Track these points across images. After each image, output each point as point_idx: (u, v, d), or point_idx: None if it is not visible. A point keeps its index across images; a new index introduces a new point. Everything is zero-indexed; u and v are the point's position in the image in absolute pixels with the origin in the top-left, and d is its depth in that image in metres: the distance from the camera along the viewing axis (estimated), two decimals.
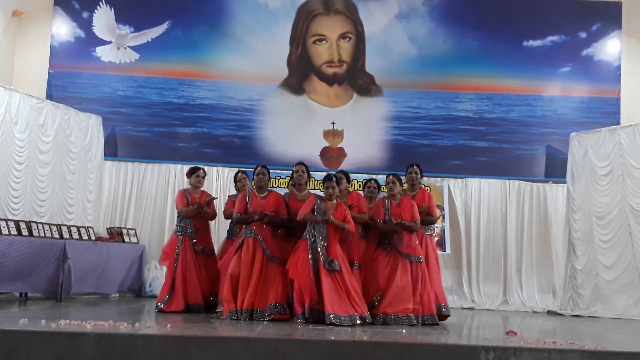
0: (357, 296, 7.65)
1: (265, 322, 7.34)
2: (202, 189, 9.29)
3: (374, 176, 9.98)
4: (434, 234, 9.06)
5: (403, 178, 8.63)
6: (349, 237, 8.03)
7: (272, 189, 8.62)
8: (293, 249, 7.90)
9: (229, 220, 9.10)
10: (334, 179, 8.01)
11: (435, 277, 8.62)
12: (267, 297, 7.73)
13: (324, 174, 8.88)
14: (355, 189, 11.74)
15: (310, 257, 7.62)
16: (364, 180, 8.96)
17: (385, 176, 10.03)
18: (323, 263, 7.56)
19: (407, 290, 7.93)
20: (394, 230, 8.10)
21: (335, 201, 7.93)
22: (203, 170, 9.30)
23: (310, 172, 8.55)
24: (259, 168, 8.31)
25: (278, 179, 11.99)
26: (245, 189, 8.74)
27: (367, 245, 8.30)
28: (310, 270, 7.56)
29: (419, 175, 8.80)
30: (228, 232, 9.18)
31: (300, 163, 8.42)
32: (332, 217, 7.69)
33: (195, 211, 8.88)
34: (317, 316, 7.43)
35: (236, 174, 9.38)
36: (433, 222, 8.78)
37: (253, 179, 8.40)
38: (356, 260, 8.13)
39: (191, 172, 9.21)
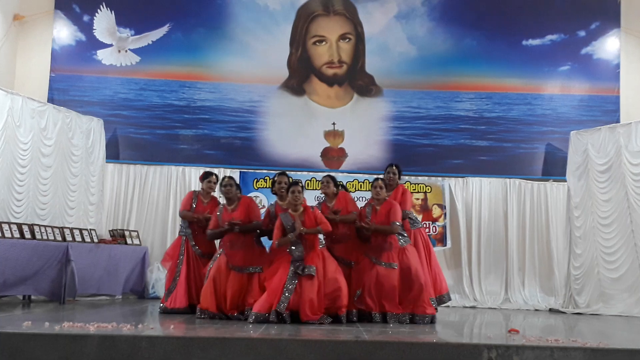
0: (344, 295, 7.70)
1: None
2: (212, 194, 9.23)
3: (374, 176, 9.99)
4: (421, 226, 9.06)
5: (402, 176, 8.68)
6: (346, 238, 8.15)
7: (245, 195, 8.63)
8: (272, 260, 7.94)
9: None
10: (300, 184, 8.00)
11: (434, 266, 8.71)
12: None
13: (325, 174, 8.93)
14: (357, 189, 11.81)
15: (290, 268, 7.64)
16: (373, 180, 8.90)
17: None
18: (297, 271, 7.57)
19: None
20: (368, 237, 8.16)
21: (301, 208, 7.90)
22: (216, 175, 9.21)
23: (312, 172, 8.57)
24: (226, 179, 8.35)
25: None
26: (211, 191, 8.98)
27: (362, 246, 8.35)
28: (286, 278, 7.57)
29: (397, 176, 8.82)
30: None
31: (282, 173, 8.47)
32: (302, 228, 7.68)
33: (190, 219, 8.88)
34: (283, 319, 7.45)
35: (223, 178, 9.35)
36: (404, 217, 8.63)
37: (221, 191, 8.40)
38: (353, 260, 8.20)
39: (204, 177, 9.13)
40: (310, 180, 12.21)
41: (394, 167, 8.85)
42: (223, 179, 8.40)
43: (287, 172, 8.76)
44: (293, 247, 7.71)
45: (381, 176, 8.69)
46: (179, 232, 9.10)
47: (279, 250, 7.89)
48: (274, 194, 8.54)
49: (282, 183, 8.31)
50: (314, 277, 7.56)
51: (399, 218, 8.16)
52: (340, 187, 8.70)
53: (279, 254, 7.90)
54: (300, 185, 7.99)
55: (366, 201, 9.44)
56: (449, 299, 8.93)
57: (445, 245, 12.33)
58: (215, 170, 12.13)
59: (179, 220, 9.20)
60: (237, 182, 8.97)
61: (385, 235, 8.12)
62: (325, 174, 8.70)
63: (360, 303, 8.01)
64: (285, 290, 7.47)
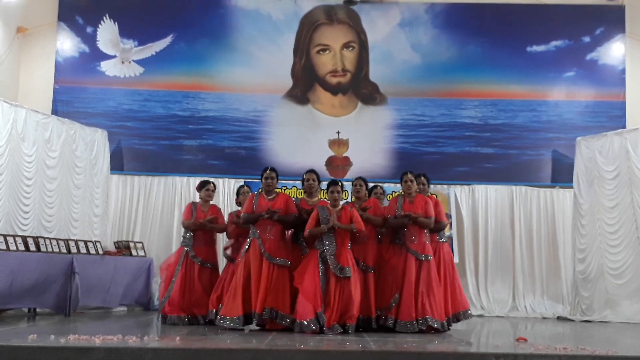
0: (356, 304, 7.62)
1: (271, 332, 7.36)
2: (211, 202, 9.27)
3: (379, 184, 9.95)
4: (444, 240, 9.02)
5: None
6: (364, 239, 8.07)
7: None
8: (303, 258, 7.92)
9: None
10: (340, 184, 8.06)
11: (454, 283, 8.65)
12: (275, 300, 7.73)
13: (357, 176, 8.94)
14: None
15: (320, 267, 7.62)
16: (402, 174, 8.74)
17: (391, 184, 10.07)
18: (333, 271, 7.56)
19: (413, 296, 7.93)
20: (404, 225, 8.09)
21: (339, 206, 7.95)
22: (213, 184, 9.31)
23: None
24: (268, 172, 8.28)
25: (284, 189, 11.97)
26: (209, 199, 9.02)
27: (380, 248, 8.32)
28: (318, 280, 7.56)
29: (426, 186, 8.78)
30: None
31: (311, 170, 8.47)
32: (336, 222, 7.70)
33: (194, 226, 8.87)
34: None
35: (240, 187, 9.38)
36: (442, 229, 8.75)
37: (261, 182, 8.35)
38: (371, 264, 8.16)
39: (201, 186, 9.21)
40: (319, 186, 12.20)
41: (423, 178, 8.77)
42: (265, 170, 8.34)
43: (293, 181, 8.77)
44: (323, 242, 7.71)
45: (380, 184, 8.64)
46: (181, 243, 9.09)
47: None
48: (304, 191, 8.58)
49: (310, 180, 8.35)
50: (350, 278, 7.60)
51: (434, 214, 8.25)
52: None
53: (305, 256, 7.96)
54: (340, 185, 8.07)
55: None
56: (465, 317, 8.71)
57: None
58: (220, 181, 12.18)
59: (183, 231, 9.17)
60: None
61: (421, 229, 8.14)
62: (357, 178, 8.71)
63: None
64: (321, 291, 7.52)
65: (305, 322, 7.37)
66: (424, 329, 7.80)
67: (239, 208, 9.03)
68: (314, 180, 8.34)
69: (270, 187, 8.24)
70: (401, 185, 8.42)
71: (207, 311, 8.56)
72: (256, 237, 7.98)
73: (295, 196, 11.92)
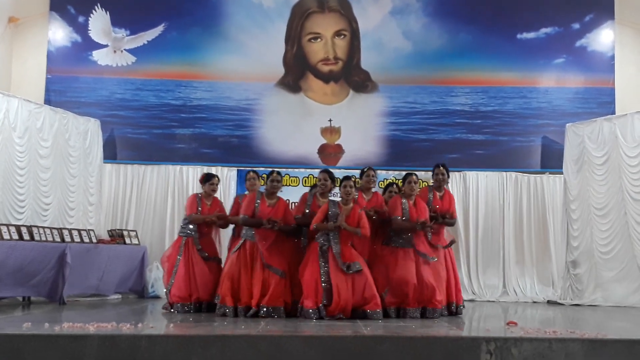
0: (370, 291, 7.74)
1: (264, 320, 7.45)
2: (214, 195, 9.24)
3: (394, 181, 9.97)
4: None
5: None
6: (364, 239, 8.12)
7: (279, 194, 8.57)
8: (306, 252, 8.01)
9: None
10: (353, 178, 8.09)
11: (453, 274, 8.80)
12: (269, 300, 7.84)
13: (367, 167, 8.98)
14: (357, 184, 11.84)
15: (321, 261, 7.71)
16: (360, 170, 8.90)
17: (382, 171, 10.14)
18: (341, 268, 7.64)
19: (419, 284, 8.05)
20: (413, 229, 8.16)
21: (351, 204, 7.98)
22: (217, 177, 9.27)
23: (309, 169, 8.59)
24: (274, 174, 8.32)
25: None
26: (254, 189, 8.82)
27: (376, 242, 8.37)
28: (318, 274, 7.64)
29: (446, 176, 8.86)
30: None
31: (325, 170, 8.47)
32: (344, 223, 7.74)
33: (202, 220, 8.85)
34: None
35: (247, 172, 9.38)
36: (452, 224, 8.91)
37: (266, 183, 8.39)
38: (365, 257, 8.19)
39: (205, 180, 9.13)
40: (308, 177, 12.24)
41: (442, 168, 8.87)
42: (272, 172, 8.39)
43: (285, 169, 8.76)
44: (325, 234, 7.81)
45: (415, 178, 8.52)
46: (179, 232, 9.09)
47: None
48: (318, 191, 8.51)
49: (322, 180, 8.35)
50: (362, 270, 7.72)
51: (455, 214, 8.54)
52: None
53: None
54: (353, 179, 8.09)
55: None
56: (458, 312, 8.81)
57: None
58: (213, 169, 12.20)
59: (177, 220, 9.20)
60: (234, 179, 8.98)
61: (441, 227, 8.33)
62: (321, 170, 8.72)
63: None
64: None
65: (310, 311, 7.52)
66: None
67: (247, 192, 9.07)
68: (326, 180, 8.30)
69: (275, 189, 8.29)
70: (404, 185, 8.45)
71: (212, 296, 8.57)
72: (250, 238, 8.06)
73: (288, 184, 12.00)
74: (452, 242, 8.87)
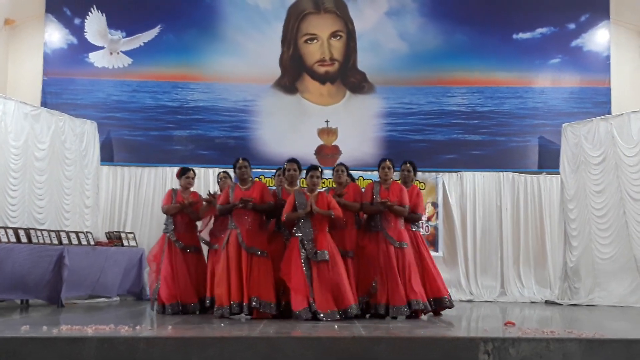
0: (344, 287, 7.64)
1: (247, 318, 7.48)
2: (192, 189, 9.27)
3: (368, 172, 9.99)
4: (421, 229, 9.10)
5: (397, 174, 8.71)
6: (342, 225, 8.10)
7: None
8: (286, 247, 7.97)
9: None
10: (319, 169, 8.11)
11: (433, 270, 8.66)
12: (257, 289, 7.76)
13: (338, 162, 8.97)
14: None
15: (302, 253, 7.68)
16: (380, 161, 8.69)
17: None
18: (309, 256, 7.63)
19: (399, 279, 7.99)
20: (380, 211, 8.12)
21: (316, 192, 7.99)
22: (193, 171, 9.33)
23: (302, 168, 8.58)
24: (240, 161, 8.34)
25: (273, 178, 11.97)
26: (189, 187, 9.07)
27: (358, 234, 8.34)
28: (303, 268, 7.62)
29: (412, 173, 8.86)
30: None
31: (292, 160, 8.43)
32: (315, 207, 7.72)
33: (175, 209, 8.86)
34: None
35: (219, 173, 9.43)
36: (417, 220, 8.81)
37: (235, 172, 8.42)
38: (349, 249, 8.16)
39: (181, 174, 9.22)
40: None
41: (409, 165, 8.88)
42: (238, 160, 8.40)
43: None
44: (301, 227, 7.78)
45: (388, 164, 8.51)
46: (163, 230, 9.09)
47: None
48: (286, 179, 8.49)
49: (291, 170, 8.32)
50: (328, 261, 7.64)
51: (408, 203, 8.30)
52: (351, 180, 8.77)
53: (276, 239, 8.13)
54: (320, 170, 8.13)
55: None
56: (443, 304, 8.61)
57: (437, 252, 12.35)
58: (210, 171, 12.22)
59: (165, 218, 9.15)
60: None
61: (397, 217, 8.21)
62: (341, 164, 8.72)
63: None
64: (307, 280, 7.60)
65: (298, 312, 7.44)
66: (411, 312, 7.90)
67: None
68: (294, 170, 8.32)
69: (245, 175, 8.28)
70: (378, 171, 8.46)
71: (198, 299, 8.63)
72: (234, 227, 8.04)
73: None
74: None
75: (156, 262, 8.87)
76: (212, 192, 9.14)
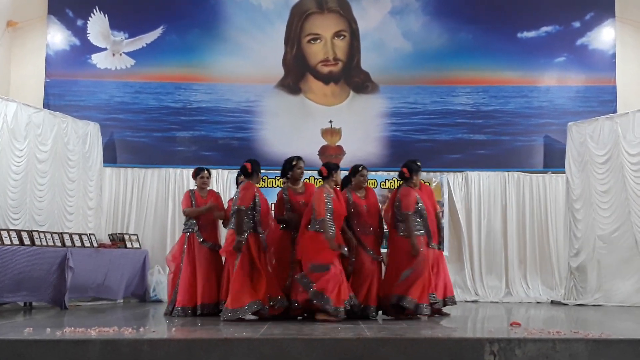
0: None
1: (266, 322, 7.42)
2: (209, 188, 9.38)
3: (372, 173, 9.92)
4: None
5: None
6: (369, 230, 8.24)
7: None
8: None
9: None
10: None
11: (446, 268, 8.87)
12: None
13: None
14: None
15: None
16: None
17: (384, 172, 10.09)
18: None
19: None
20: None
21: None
22: (208, 171, 9.39)
23: (309, 171, 8.61)
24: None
25: (277, 179, 11.98)
26: (204, 187, 9.28)
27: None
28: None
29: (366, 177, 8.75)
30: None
31: (300, 157, 8.42)
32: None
33: (197, 213, 8.88)
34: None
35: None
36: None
37: (355, 177, 8.38)
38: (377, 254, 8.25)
39: (196, 174, 9.32)
40: (309, 179, 12.19)
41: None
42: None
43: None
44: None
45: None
46: (183, 230, 9.07)
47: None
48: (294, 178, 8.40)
49: (302, 168, 8.42)
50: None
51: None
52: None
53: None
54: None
55: None
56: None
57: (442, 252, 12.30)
58: (214, 172, 12.16)
59: (178, 223, 9.25)
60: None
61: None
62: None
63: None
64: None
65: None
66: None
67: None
68: (302, 168, 8.39)
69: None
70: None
71: (217, 301, 8.53)
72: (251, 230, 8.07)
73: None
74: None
75: (175, 263, 8.86)
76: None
